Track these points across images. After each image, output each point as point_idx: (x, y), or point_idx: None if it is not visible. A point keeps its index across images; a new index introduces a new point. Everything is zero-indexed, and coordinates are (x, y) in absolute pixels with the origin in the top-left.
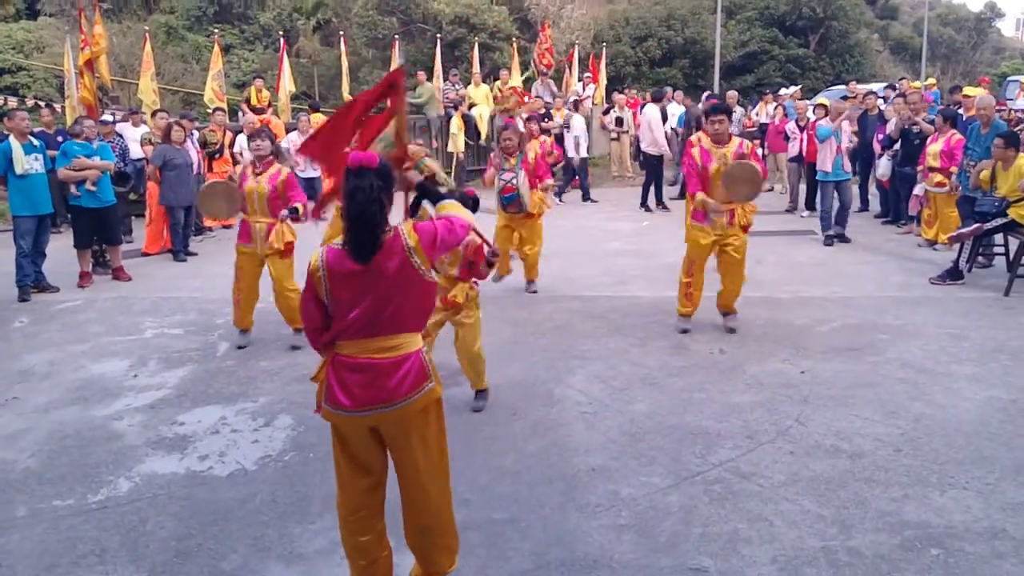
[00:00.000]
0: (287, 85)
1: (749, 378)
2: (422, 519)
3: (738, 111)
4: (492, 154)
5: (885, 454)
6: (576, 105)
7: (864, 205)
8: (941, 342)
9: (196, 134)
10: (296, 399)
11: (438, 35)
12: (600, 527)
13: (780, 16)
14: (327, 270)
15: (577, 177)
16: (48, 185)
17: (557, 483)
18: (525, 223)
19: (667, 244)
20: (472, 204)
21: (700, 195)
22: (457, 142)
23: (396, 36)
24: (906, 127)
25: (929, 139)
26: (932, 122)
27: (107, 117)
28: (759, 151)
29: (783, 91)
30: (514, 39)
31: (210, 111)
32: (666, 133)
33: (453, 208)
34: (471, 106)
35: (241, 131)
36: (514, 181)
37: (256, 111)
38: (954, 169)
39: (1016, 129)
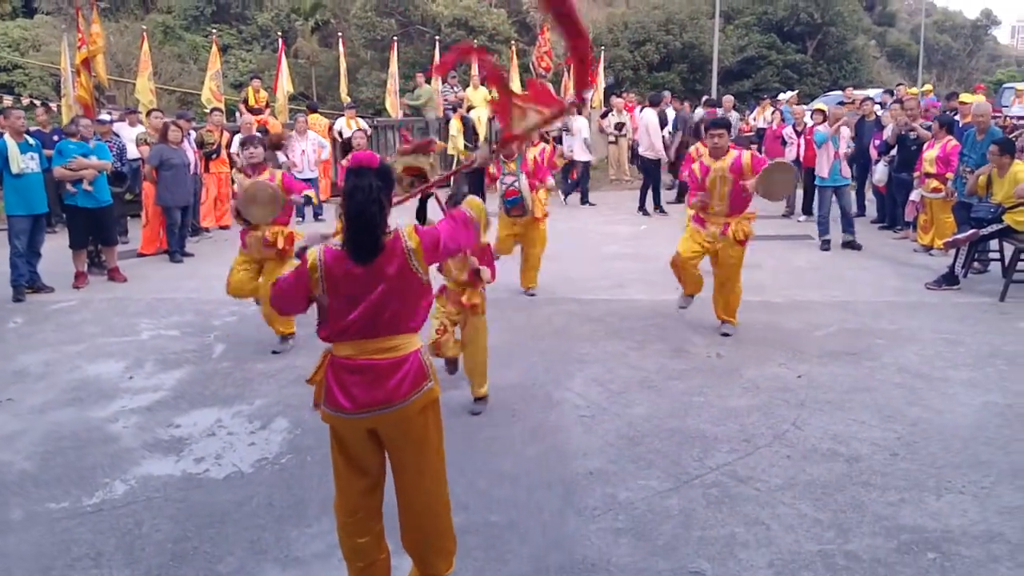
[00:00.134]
0: (285, 86)
1: (746, 382)
2: (420, 521)
3: (734, 116)
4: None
5: (882, 458)
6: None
7: (861, 210)
8: (937, 347)
9: (193, 134)
10: (293, 402)
11: (437, 37)
12: (598, 531)
13: (778, 22)
14: (325, 271)
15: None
16: (44, 185)
17: (555, 487)
18: (529, 227)
19: (665, 248)
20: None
21: (697, 197)
22: (456, 144)
23: (395, 38)
24: (903, 133)
25: (925, 145)
26: (929, 128)
27: (104, 116)
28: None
29: (781, 96)
30: (513, 42)
31: (207, 111)
32: (663, 137)
33: (475, 206)
34: (470, 108)
35: (239, 131)
36: (516, 184)
37: (254, 111)
38: (950, 175)
39: (1012, 136)
